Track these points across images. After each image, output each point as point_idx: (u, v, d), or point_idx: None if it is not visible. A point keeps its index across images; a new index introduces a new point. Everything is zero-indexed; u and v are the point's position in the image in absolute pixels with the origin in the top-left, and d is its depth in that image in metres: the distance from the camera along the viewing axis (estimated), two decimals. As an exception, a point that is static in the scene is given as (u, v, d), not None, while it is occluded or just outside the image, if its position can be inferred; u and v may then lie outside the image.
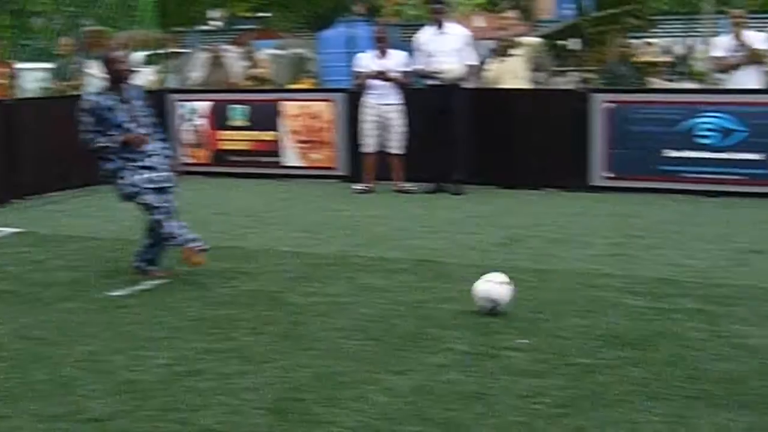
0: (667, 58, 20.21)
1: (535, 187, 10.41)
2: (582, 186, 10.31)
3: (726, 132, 9.79)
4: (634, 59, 13.33)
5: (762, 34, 10.89)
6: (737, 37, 10.54)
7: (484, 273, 5.64)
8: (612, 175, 10.28)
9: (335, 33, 17.89)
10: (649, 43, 20.81)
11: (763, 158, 9.66)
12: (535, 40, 12.27)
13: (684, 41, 21.05)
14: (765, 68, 10.48)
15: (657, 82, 14.38)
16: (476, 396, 4.17)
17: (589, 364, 4.54)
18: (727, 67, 10.59)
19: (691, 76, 17.21)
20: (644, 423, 3.85)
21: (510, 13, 12.69)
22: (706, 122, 9.88)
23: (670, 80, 18.25)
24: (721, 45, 10.81)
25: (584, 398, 4.11)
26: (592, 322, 5.27)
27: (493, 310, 5.40)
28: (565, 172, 10.41)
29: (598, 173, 10.34)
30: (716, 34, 13.04)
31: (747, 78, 10.42)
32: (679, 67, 20.64)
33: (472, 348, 4.85)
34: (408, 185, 10.50)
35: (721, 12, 14.11)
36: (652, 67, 15.63)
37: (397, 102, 10.55)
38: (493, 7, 24.99)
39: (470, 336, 5.05)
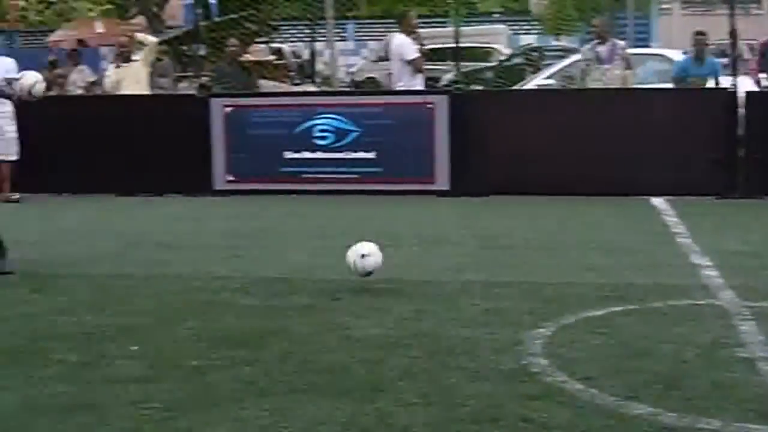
0: (280, 59, 20.82)
1: (159, 193, 10.35)
2: (207, 191, 10.38)
3: (341, 133, 10.27)
4: (243, 61, 13.64)
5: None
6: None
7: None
8: (234, 179, 10.44)
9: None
10: (274, 48, 21.33)
11: (374, 157, 10.24)
12: (152, 40, 12.15)
13: (310, 45, 21.68)
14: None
15: (275, 85, 14.78)
16: (84, 407, 4.07)
17: (199, 366, 4.58)
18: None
19: (323, 79, 17.83)
20: (251, 419, 3.93)
21: (137, 19, 12.49)
22: (323, 124, 10.31)
23: (298, 83, 18.86)
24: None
25: (193, 399, 4.14)
26: (204, 325, 5.32)
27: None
28: (189, 176, 10.42)
29: (222, 177, 10.46)
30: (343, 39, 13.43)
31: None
32: (305, 70, 21.34)
33: (81, 358, 4.73)
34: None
35: (345, 17, 14.45)
36: (262, 68, 16.08)
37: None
38: (124, 13, 24.45)
39: (80, 347, 4.92)
